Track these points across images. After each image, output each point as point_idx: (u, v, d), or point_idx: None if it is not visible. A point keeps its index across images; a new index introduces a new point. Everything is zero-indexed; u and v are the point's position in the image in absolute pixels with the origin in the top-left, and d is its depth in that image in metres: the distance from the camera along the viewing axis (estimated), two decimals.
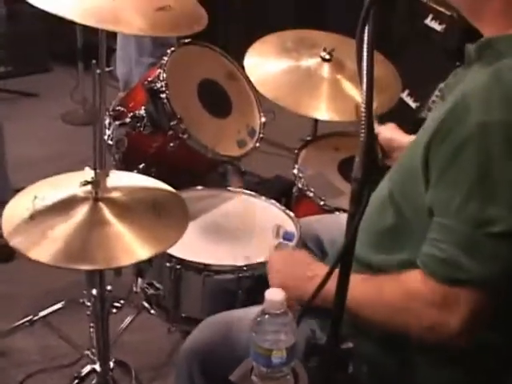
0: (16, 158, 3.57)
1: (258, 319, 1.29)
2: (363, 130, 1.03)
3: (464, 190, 1.28)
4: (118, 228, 1.69)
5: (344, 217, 2.15)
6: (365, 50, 1.04)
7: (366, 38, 1.05)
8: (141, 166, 2.45)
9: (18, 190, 3.24)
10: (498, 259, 1.28)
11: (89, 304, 2.14)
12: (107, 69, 1.96)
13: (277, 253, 1.79)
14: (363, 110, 1.03)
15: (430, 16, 4.06)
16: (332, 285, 1.15)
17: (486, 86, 1.30)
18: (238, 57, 2.80)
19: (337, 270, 1.13)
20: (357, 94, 2.65)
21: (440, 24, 3.96)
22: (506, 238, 1.26)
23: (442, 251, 1.32)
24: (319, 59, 2.75)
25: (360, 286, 1.43)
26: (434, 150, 1.33)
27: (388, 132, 2.13)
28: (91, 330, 2.19)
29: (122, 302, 2.21)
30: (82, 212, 1.73)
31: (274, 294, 1.29)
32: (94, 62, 1.82)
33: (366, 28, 1.05)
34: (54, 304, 2.64)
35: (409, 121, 3.77)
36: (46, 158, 4.17)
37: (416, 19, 4.22)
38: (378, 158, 1.05)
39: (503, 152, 1.24)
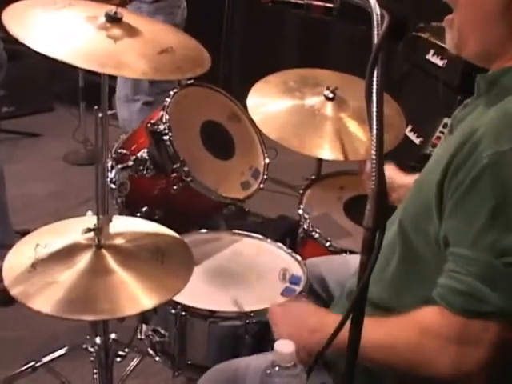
0: (18, 197, 3.57)
1: (268, 371, 1.26)
2: (374, 178, 1.00)
3: (481, 219, 1.25)
4: (122, 276, 1.67)
5: (350, 258, 2.15)
6: (374, 97, 1.02)
7: (375, 84, 1.03)
8: (144, 209, 2.43)
9: (19, 232, 3.27)
10: None
11: (92, 350, 2.10)
12: (109, 112, 1.93)
13: (277, 308, 1.74)
14: (373, 157, 1.01)
15: (432, 51, 4.07)
16: (343, 333, 1.11)
17: (495, 121, 1.29)
18: (241, 96, 2.79)
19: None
20: (361, 133, 2.63)
21: (441, 59, 3.97)
22: None
23: (460, 282, 1.29)
24: (322, 98, 2.73)
25: (374, 329, 1.39)
26: (447, 184, 1.32)
27: (388, 172, 2.10)
28: (95, 376, 2.15)
29: (126, 350, 2.16)
30: (84, 260, 1.71)
31: (283, 346, 1.26)
32: (96, 107, 1.80)
33: (375, 72, 1.03)
34: (57, 350, 2.59)
35: (413, 157, 3.76)
36: (47, 198, 4.18)
37: (417, 54, 4.23)
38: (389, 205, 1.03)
39: None
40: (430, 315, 1.34)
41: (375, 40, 1.05)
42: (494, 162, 1.24)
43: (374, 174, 1.00)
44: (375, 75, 1.03)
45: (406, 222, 1.48)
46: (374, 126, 1.01)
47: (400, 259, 1.50)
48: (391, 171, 2.14)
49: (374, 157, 1.00)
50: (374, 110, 1.01)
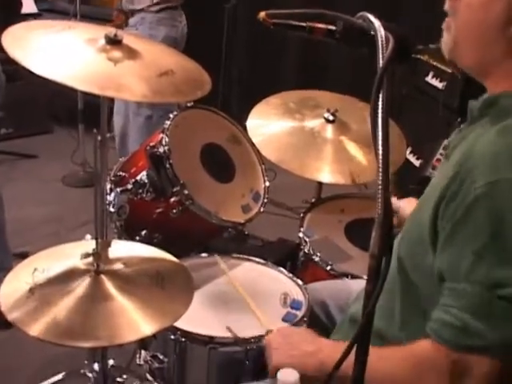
0: (15, 219, 3.54)
1: None
2: (379, 204, 0.98)
3: (474, 251, 1.24)
4: (121, 302, 1.65)
5: (352, 282, 2.12)
6: (380, 122, 1.00)
7: (380, 107, 1.01)
8: (143, 233, 2.40)
9: (17, 254, 3.24)
10: None
11: (90, 375, 2.07)
12: (108, 134, 1.92)
13: (275, 332, 1.73)
14: (379, 183, 0.98)
15: (431, 73, 4.08)
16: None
17: (492, 146, 1.27)
18: (240, 118, 2.78)
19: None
20: (361, 156, 2.62)
21: (441, 81, 3.98)
22: None
23: (452, 317, 1.27)
24: (323, 120, 2.71)
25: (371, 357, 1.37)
26: (441, 215, 1.30)
27: (409, 207, 2.07)
28: None
29: (124, 376, 2.13)
30: (83, 285, 1.69)
31: (287, 375, 1.24)
32: (95, 130, 1.78)
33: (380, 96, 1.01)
34: (54, 375, 2.56)
35: (413, 179, 3.75)
36: (45, 220, 4.16)
37: (417, 77, 4.24)
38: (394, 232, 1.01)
39: None
40: (424, 349, 1.34)
41: (380, 63, 1.03)
42: (485, 193, 1.22)
43: (379, 200, 0.98)
44: (380, 98, 1.01)
45: (403, 256, 1.48)
46: (380, 152, 0.99)
47: (400, 292, 1.49)
48: (413, 205, 2.11)
49: (380, 183, 0.98)
50: (380, 134, 0.99)
